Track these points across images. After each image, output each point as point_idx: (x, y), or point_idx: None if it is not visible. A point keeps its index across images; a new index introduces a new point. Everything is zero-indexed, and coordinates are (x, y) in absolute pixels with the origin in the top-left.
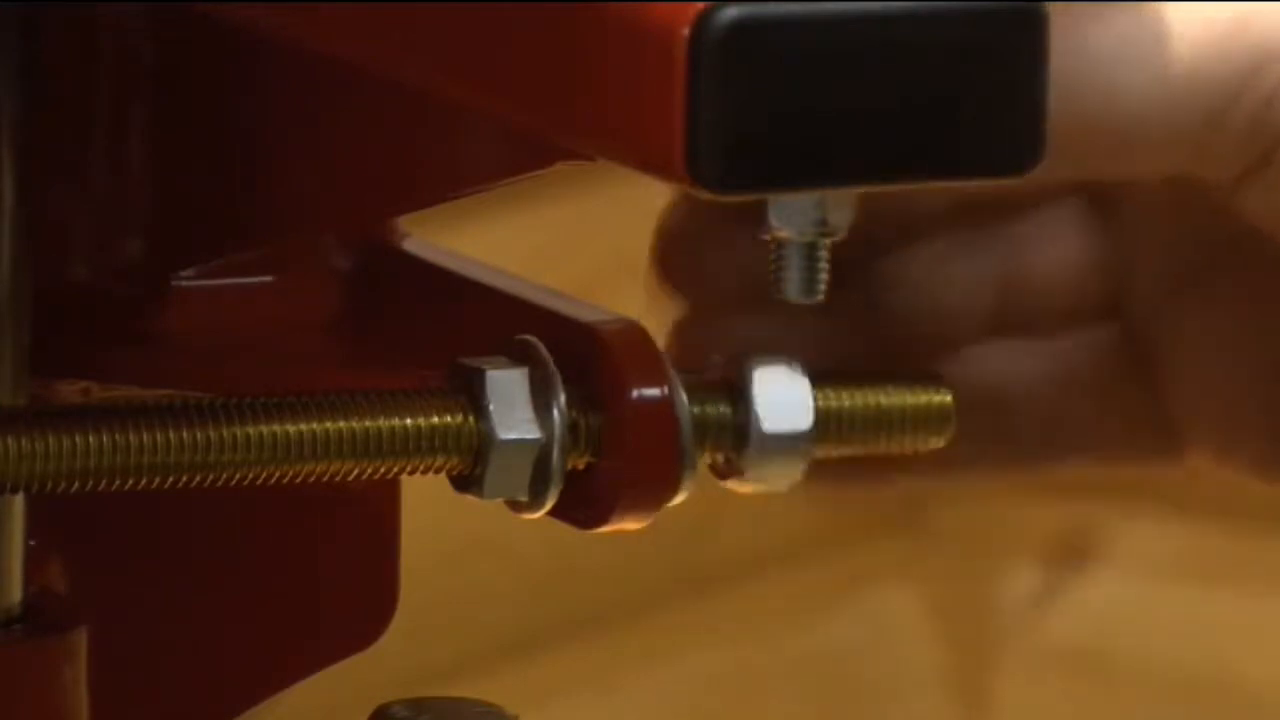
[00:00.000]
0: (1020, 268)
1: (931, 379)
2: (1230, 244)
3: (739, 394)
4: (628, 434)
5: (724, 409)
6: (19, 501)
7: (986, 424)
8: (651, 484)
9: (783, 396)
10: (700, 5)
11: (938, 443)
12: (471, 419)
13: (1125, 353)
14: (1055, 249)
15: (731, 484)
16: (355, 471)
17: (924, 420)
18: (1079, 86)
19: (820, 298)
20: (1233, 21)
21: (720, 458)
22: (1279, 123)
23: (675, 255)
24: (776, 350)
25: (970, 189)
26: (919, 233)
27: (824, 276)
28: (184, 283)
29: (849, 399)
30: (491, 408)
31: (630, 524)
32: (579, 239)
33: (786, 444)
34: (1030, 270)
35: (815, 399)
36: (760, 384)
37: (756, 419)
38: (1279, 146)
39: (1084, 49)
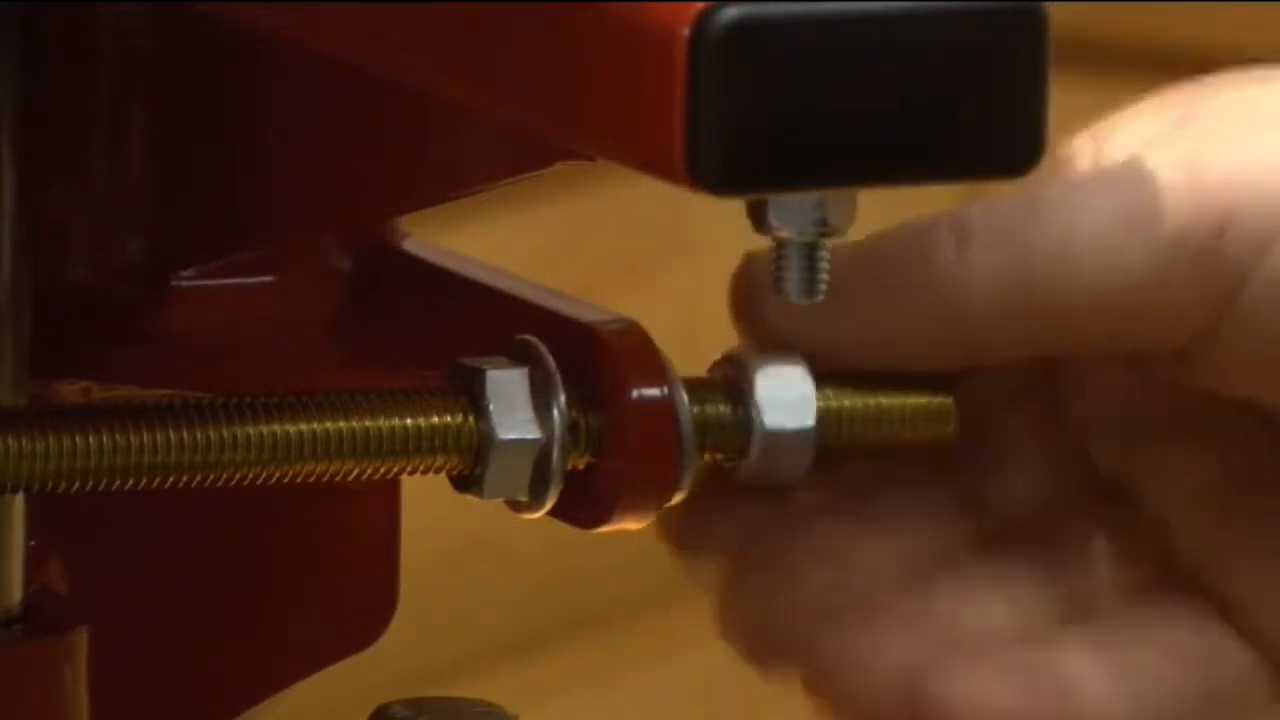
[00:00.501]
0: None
1: (931, 378)
2: (1179, 413)
3: (742, 393)
4: (628, 434)
5: (725, 408)
6: (19, 501)
7: None
8: (651, 484)
9: (785, 395)
10: (700, 5)
11: (939, 441)
12: (471, 419)
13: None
14: (1017, 470)
15: (740, 478)
16: (355, 471)
17: (924, 420)
18: (1031, 251)
19: (820, 298)
20: (1184, 162)
21: (723, 457)
22: (1231, 260)
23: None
24: None
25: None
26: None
27: (824, 276)
28: (184, 283)
29: (849, 399)
30: (491, 408)
31: (630, 524)
32: (579, 239)
33: (789, 442)
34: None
35: (815, 398)
36: (763, 383)
37: (760, 417)
38: (1235, 293)
39: (1036, 208)
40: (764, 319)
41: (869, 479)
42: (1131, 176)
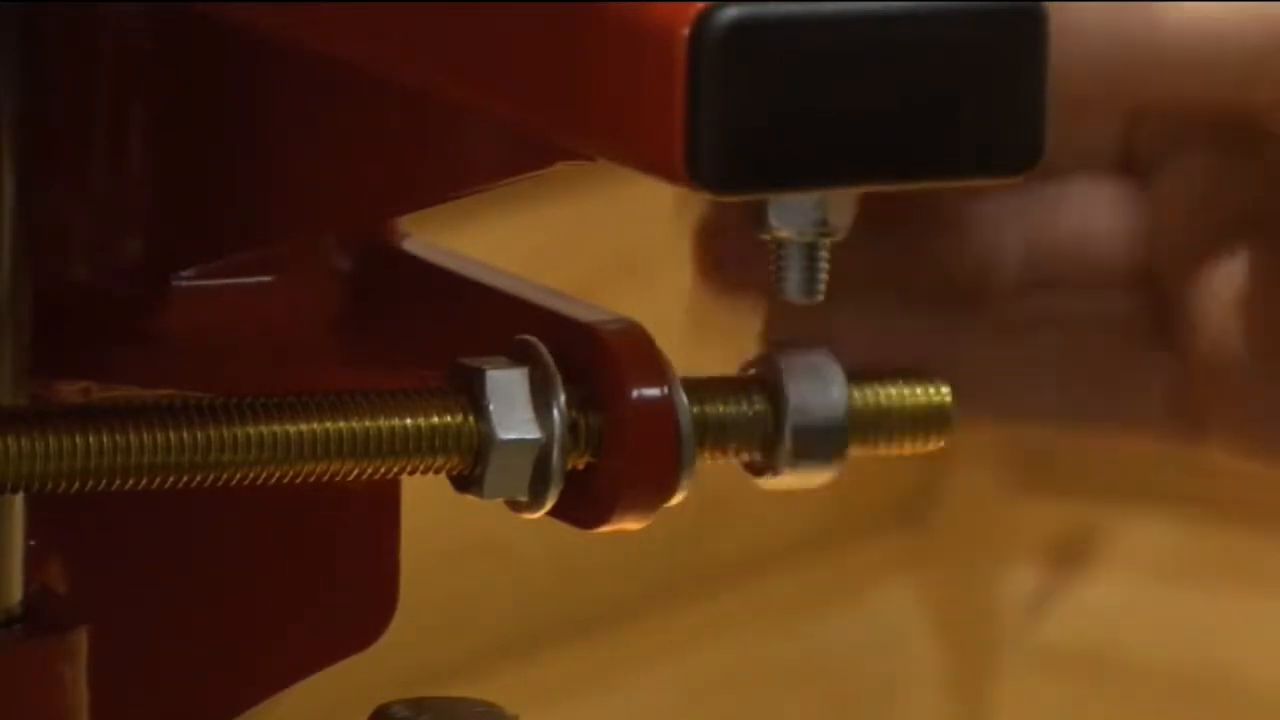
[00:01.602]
0: (1051, 228)
1: (931, 378)
2: (1251, 216)
3: (774, 391)
4: (628, 434)
5: (759, 407)
6: (19, 501)
7: (1014, 373)
8: (651, 484)
9: (817, 393)
10: (700, 5)
11: (938, 442)
12: (471, 419)
13: (1151, 321)
14: (1085, 215)
15: (765, 481)
16: (355, 471)
17: (924, 420)
18: (1122, 14)
19: (820, 298)
20: None
21: (755, 455)
22: None
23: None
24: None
25: None
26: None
27: (824, 276)
28: (184, 283)
29: (850, 399)
30: (491, 408)
31: (630, 524)
32: (579, 239)
33: (821, 440)
34: (1059, 232)
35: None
36: (793, 380)
37: (791, 415)
38: None
39: None
40: None
41: None
42: None
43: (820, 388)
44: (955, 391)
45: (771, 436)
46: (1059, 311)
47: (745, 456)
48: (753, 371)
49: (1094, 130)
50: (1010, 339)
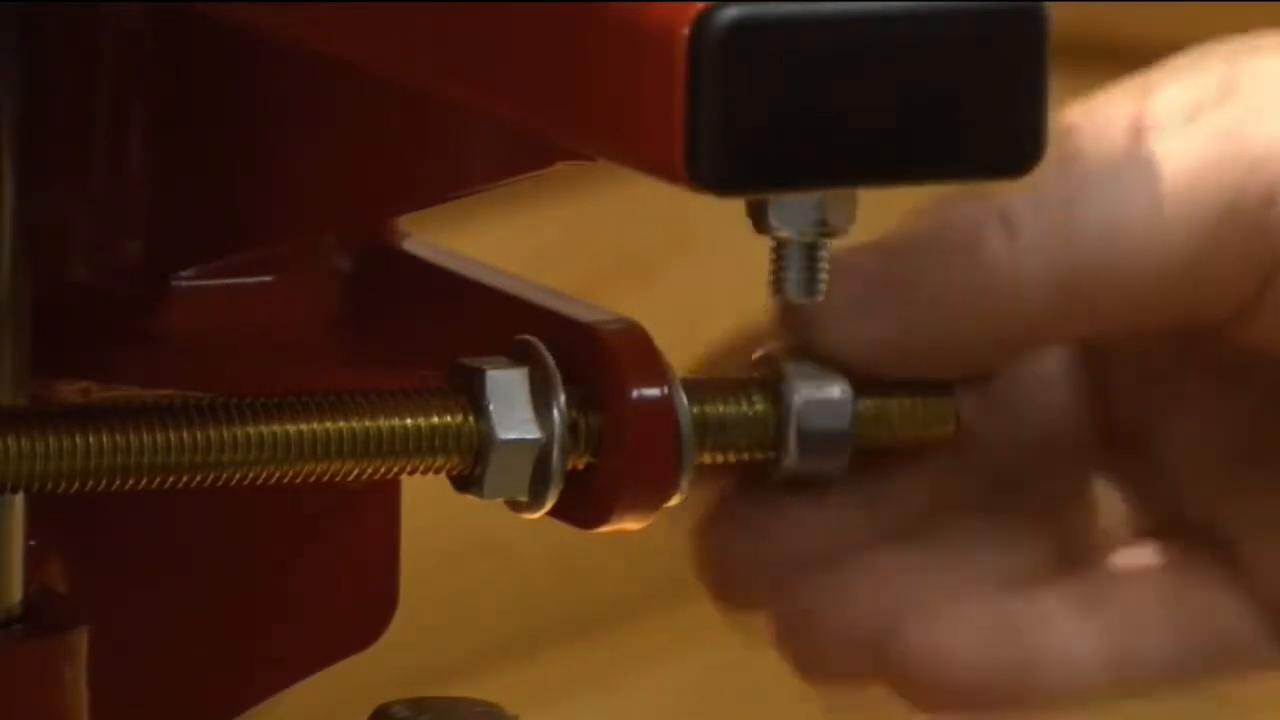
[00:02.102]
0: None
1: (932, 379)
2: (1198, 355)
3: (777, 394)
4: (628, 434)
5: (759, 407)
6: (19, 501)
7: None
8: (651, 484)
9: (820, 396)
10: (700, 5)
11: (938, 443)
12: (471, 419)
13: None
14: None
15: (773, 480)
16: (355, 471)
17: (924, 420)
18: (1079, 239)
19: (820, 298)
20: (1229, 133)
21: (760, 456)
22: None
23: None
24: None
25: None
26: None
27: (824, 276)
28: (184, 283)
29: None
30: (491, 408)
31: (630, 524)
32: (579, 239)
33: (825, 442)
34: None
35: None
36: (797, 384)
37: (795, 418)
38: None
39: (1082, 194)
40: (807, 326)
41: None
42: (1175, 151)
43: (825, 390)
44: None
45: (776, 438)
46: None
47: (747, 457)
48: (759, 373)
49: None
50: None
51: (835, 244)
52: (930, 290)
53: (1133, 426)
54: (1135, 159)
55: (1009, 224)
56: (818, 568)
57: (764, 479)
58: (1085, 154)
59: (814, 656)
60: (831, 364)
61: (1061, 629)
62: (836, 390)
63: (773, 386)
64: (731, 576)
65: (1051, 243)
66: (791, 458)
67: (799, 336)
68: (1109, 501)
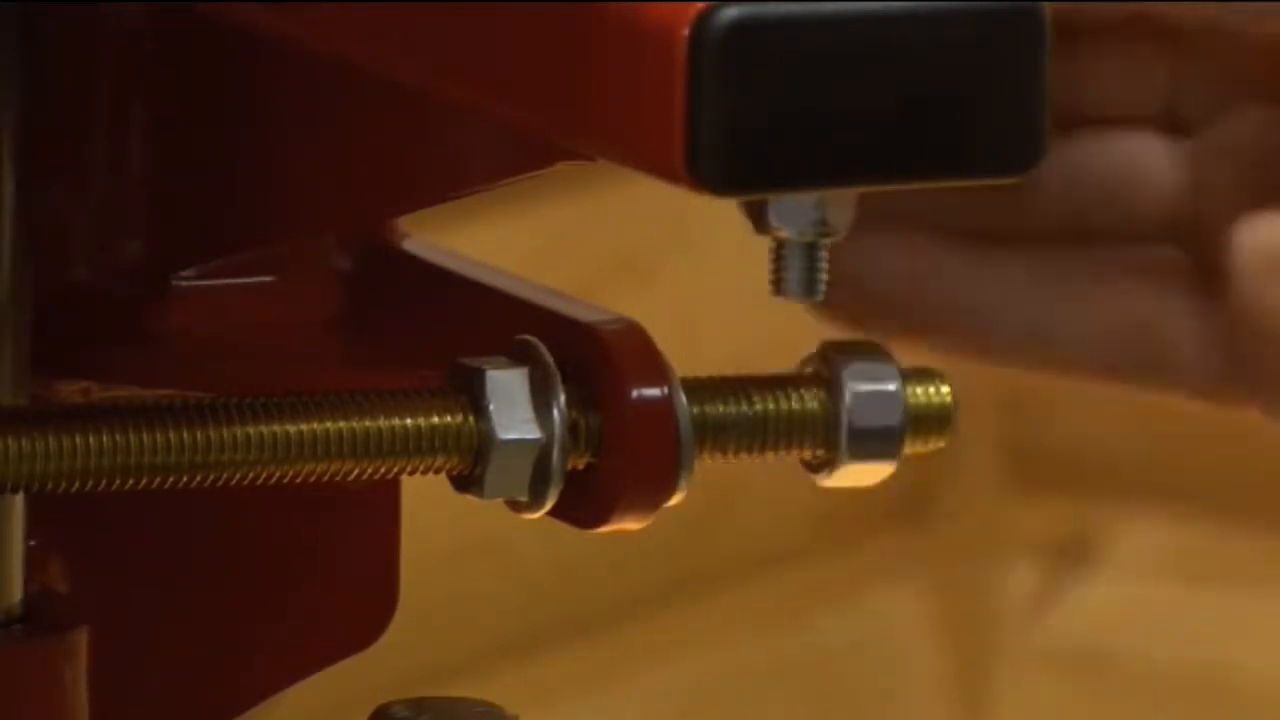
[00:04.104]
0: (1091, 174)
1: (932, 378)
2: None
3: (831, 389)
4: (628, 434)
5: (814, 404)
6: (19, 501)
7: (1048, 320)
8: (651, 484)
9: (874, 392)
10: (700, 5)
11: (938, 442)
12: (471, 419)
13: (1192, 275)
14: (1126, 163)
15: (821, 479)
16: (355, 471)
17: (924, 419)
18: None
19: (820, 298)
20: None
21: (813, 453)
22: None
23: None
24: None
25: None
26: None
27: (824, 276)
28: (184, 283)
29: None
30: (491, 408)
31: (630, 524)
32: (579, 239)
33: (878, 439)
34: (1099, 178)
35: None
36: (851, 379)
37: (848, 414)
38: None
39: None
40: None
41: None
42: None
43: (877, 386)
44: (989, 334)
45: (827, 434)
46: (1097, 259)
47: (803, 454)
48: (809, 369)
49: (1137, 77)
50: (1045, 283)
51: None
52: None
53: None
54: None
55: None
56: None
57: None
58: None
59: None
60: (882, 349)
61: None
62: (890, 385)
63: (824, 382)
64: None
65: None
66: (843, 455)
67: None
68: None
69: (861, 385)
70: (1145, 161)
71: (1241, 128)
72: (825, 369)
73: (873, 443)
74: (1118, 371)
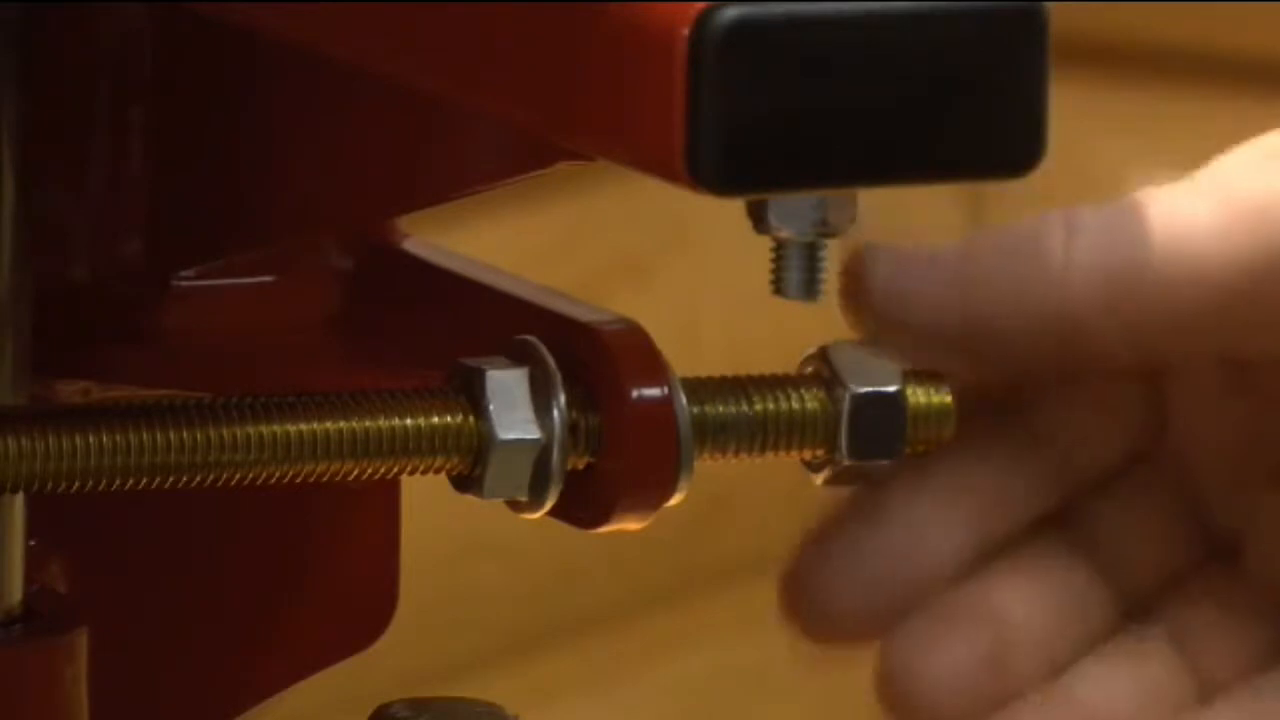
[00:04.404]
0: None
1: (932, 378)
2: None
3: (832, 389)
4: (628, 434)
5: (814, 404)
6: (19, 501)
7: None
8: (651, 484)
9: (875, 392)
10: (700, 5)
11: (938, 442)
12: (471, 419)
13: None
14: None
15: (824, 478)
16: (355, 471)
17: (925, 420)
18: (1140, 242)
19: (819, 298)
20: (1254, 205)
21: (813, 453)
22: None
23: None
24: None
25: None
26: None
27: (823, 276)
28: (184, 283)
29: None
30: (491, 408)
31: (630, 524)
32: (579, 239)
33: (879, 439)
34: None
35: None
36: (853, 380)
37: (849, 414)
38: None
39: (1147, 202)
40: (870, 306)
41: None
42: (1244, 177)
43: (879, 386)
44: None
45: (828, 435)
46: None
47: (803, 455)
48: (810, 369)
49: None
50: None
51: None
52: (988, 279)
53: (1230, 529)
54: (1197, 194)
55: (1070, 225)
56: (910, 622)
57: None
58: (1151, 189)
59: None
60: (883, 349)
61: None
62: (892, 386)
63: (825, 382)
64: (832, 611)
65: (1108, 243)
66: (844, 454)
67: (857, 316)
68: (1225, 617)
69: (863, 386)
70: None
71: (1224, 428)
72: (825, 369)
73: (873, 443)
74: None
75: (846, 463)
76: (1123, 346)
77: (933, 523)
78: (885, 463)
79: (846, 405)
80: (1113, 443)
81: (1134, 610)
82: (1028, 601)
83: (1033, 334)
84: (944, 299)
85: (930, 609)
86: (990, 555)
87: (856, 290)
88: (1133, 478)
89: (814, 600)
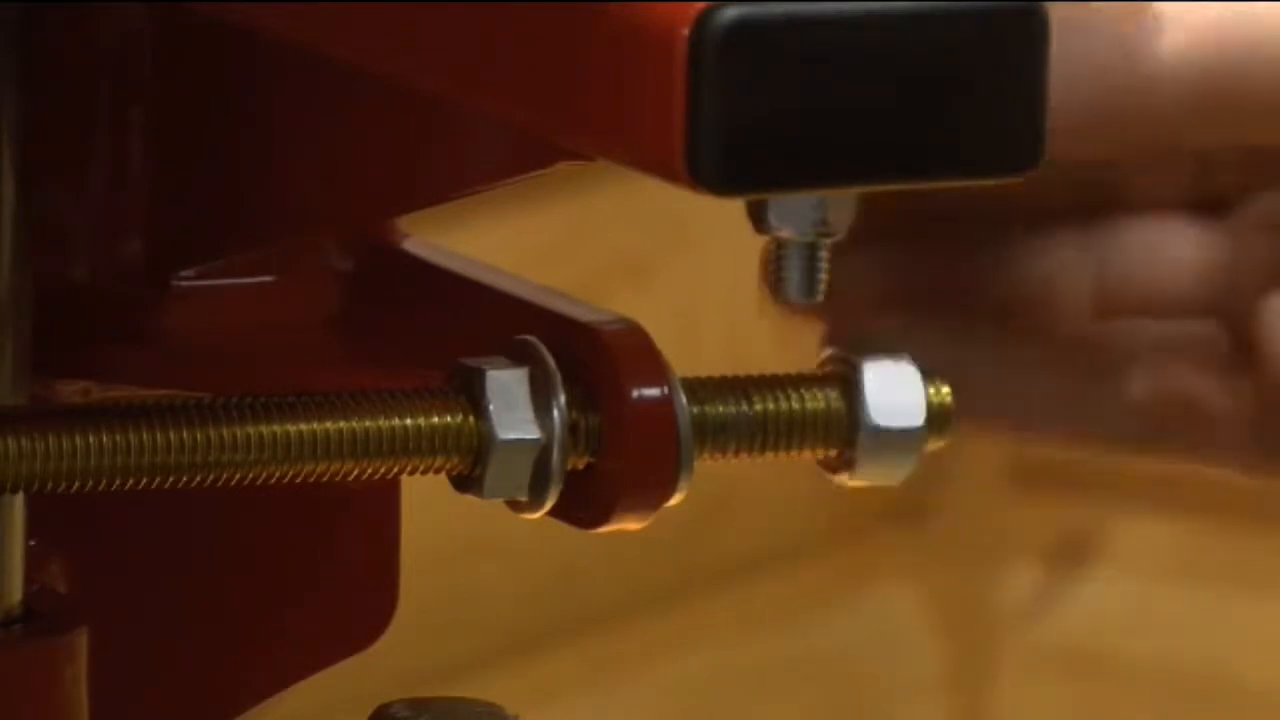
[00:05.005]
0: (1122, 263)
1: (933, 378)
2: None
3: (851, 388)
4: (627, 434)
5: (814, 404)
6: (19, 501)
7: (1086, 400)
8: (651, 484)
9: (894, 391)
10: (700, 5)
11: (939, 442)
12: (471, 419)
13: (1228, 350)
14: (1157, 249)
15: (841, 478)
16: (355, 471)
17: (927, 420)
18: (1227, 33)
19: (820, 298)
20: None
21: (833, 452)
22: None
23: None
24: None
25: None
26: (1037, 224)
27: (824, 276)
28: (184, 283)
29: None
30: (491, 408)
31: (630, 524)
32: (579, 239)
33: (897, 438)
34: (1130, 266)
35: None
36: (872, 378)
37: (868, 413)
38: None
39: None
40: None
41: None
42: None
43: (899, 388)
44: (1025, 414)
45: (847, 435)
46: (1130, 338)
47: (819, 453)
48: (829, 369)
49: (1164, 164)
50: (1080, 362)
51: None
52: (1072, 61)
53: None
54: None
55: (1158, 17)
56: None
57: None
58: None
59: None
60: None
61: None
62: (910, 389)
63: (844, 382)
64: None
65: (1199, 39)
66: (863, 454)
67: None
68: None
69: (883, 386)
70: (1175, 242)
71: (1273, 205)
72: (845, 368)
73: (893, 442)
74: (1154, 447)
75: (867, 463)
76: (1206, 132)
77: None
78: (905, 465)
79: (868, 404)
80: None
81: None
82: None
83: (1118, 123)
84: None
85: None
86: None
87: None
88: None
89: None
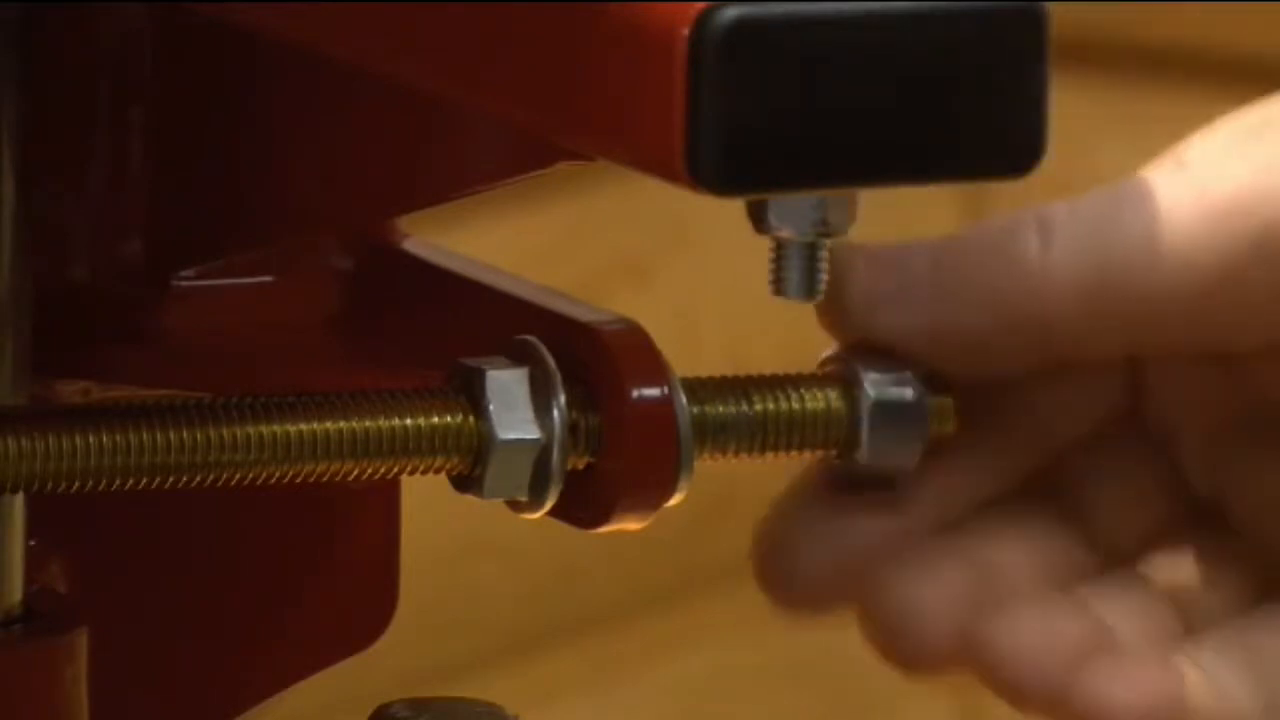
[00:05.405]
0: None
1: (932, 378)
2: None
3: (851, 388)
4: (628, 434)
5: (814, 404)
6: (19, 501)
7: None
8: (651, 484)
9: (894, 391)
10: (700, 5)
11: (939, 439)
12: (471, 419)
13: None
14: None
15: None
16: (355, 471)
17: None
18: (1113, 244)
19: (819, 298)
20: (1265, 166)
21: (834, 452)
22: None
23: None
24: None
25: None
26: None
27: (823, 276)
28: (184, 283)
29: None
30: (491, 408)
31: (630, 524)
32: (579, 239)
33: (897, 438)
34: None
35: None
36: (871, 379)
37: (867, 413)
38: None
39: (1118, 203)
40: (846, 313)
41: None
42: (1212, 175)
43: (899, 390)
44: None
45: (848, 436)
46: None
47: (819, 453)
48: (830, 370)
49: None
50: None
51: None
52: (963, 284)
53: (1209, 493)
54: (1174, 185)
55: (1044, 227)
56: (893, 562)
57: (815, 485)
58: (1125, 181)
59: (910, 646)
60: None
61: (1223, 674)
62: (910, 390)
63: (845, 384)
64: (801, 578)
65: (1084, 248)
66: (864, 455)
67: (834, 323)
68: (1206, 568)
69: (883, 389)
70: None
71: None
72: (845, 368)
73: (893, 448)
74: None
75: (864, 464)
76: (1100, 344)
77: (909, 489)
78: (903, 465)
79: (867, 410)
80: (1093, 410)
81: (1116, 566)
82: (1010, 550)
83: (1008, 336)
84: (918, 306)
85: (915, 552)
86: (967, 517)
87: (832, 296)
88: (1114, 442)
89: (788, 566)
